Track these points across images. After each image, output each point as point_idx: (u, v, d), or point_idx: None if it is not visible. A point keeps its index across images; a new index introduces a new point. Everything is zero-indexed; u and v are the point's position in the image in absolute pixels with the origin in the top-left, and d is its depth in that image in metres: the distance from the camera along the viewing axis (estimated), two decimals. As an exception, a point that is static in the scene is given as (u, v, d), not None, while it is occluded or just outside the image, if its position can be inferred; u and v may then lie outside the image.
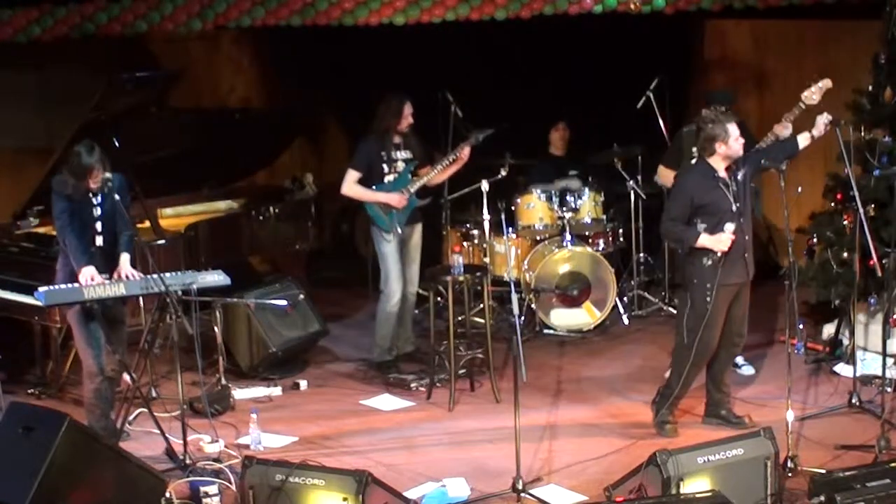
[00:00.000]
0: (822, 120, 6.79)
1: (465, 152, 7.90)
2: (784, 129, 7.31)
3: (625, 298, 9.28)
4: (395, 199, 7.86)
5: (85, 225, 6.49)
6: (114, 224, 6.51)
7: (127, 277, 6.47)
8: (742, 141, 6.52)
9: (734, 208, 6.48)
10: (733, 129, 6.49)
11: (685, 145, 7.73)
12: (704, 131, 6.53)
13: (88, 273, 6.35)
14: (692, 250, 6.54)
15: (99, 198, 6.51)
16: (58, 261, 6.64)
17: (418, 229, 8.06)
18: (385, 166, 7.90)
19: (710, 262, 6.47)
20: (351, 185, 7.91)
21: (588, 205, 9.02)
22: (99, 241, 6.53)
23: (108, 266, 6.50)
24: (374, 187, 7.89)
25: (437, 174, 7.99)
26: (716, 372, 6.83)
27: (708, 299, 6.48)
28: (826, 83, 7.13)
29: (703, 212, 6.49)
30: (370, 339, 8.29)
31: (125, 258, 6.53)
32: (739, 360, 7.71)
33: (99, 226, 6.53)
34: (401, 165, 7.93)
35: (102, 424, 6.55)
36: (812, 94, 7.10)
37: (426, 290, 7.99)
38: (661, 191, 9.34)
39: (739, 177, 6.54)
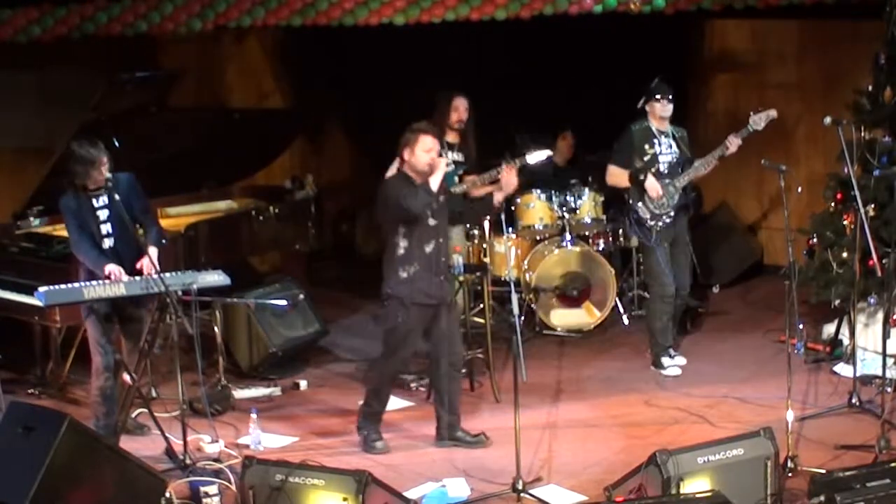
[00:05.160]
0: (736, 140, 7.46)
1: (509, 172, 7.65)
2: (734, 144, 7.52)
3: (625, 298, 9.28)
4: None
5: (92, 231, 6.49)
6: (125, 226, 6.46)
7: (147, 271, 6.41)
8: (430, 158, 6.37)
9: (431, 223, 6.43)
10: (426, 140, 6.42)
11: (636, 142, 7.73)
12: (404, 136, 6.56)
13: (113, 270, 6.36)
14: (391, 260, 6.49)
15: (104, 199, 6.50)
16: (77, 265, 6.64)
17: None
18: None
19: (405, 275, 6.43)
20: None
21: (588, 205, 9.02)
22: (108, 242, 6.53)
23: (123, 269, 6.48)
24: None
25: (478, 187, 7.83)
26: (445, 394, 6.74)
27: (399, 315, 6.45)
28: (772, 113, 7.48)
29: (407, 221, 6.41)
30: (373, 338, 8.29)
31: (153, 251, 6.47)
32: (671, 350, 7.92)
33: (107, 228, 6.52)
34: (451, 167, 7.81)
35: (104, 423, 6.56)
36: (759, 121, 7.45)
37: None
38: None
39: (441, 198, 6.51)
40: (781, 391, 6.48)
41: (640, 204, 7.74)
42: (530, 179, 9.41)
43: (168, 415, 6.88)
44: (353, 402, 7.54)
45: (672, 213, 7.74)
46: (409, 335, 6.54)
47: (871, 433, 6.34)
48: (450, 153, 7.85)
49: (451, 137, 7.83)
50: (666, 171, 7.73)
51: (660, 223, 7.74)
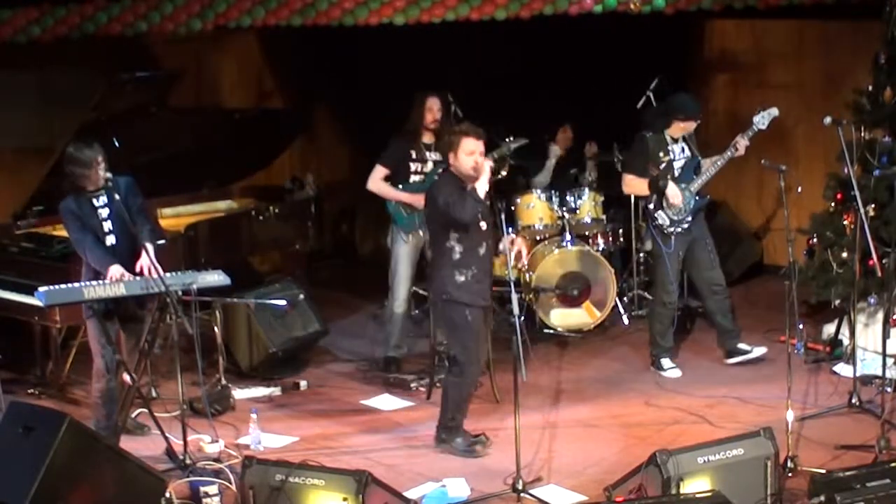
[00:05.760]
0: (743, 141, 7.45)
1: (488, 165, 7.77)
2: (742, 146, 7.50)
3: (625, 298, 9.28)
4: (419, 199, 7.81)
5: (95, 231, 6.49)
6: (125, 225, 6.45)
7: (147, 270, 6.38)
8: (473, 162, 6.26)
9: (482, 226, 6.37)
10: (468, 142, 6.31)
11: (651, 150, 7.67)
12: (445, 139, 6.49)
13: (117, 271, 6.35)
14: (445, 264, 6.37)
15: (105, 198, 6.50)
16: (81, 267, 6.63)
17: None
18: (412, 165, 7.83)
19: (462, 279, 6.34)
20: (376, 181, 7.83)
21: (588, 205, 9.03)
22: (110, 240, 6.52)
23: (124, 266, 6.47)
24: (399, 186, 7.85)
25: None
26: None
27: (468, 315, 6.36)
28: (774, 111, 7.47)
29: (458, 227, 6.31)
30: (372, 338, 8.33)
31: (149, 249, 6.40)
32: (745, 345, 7.84)
33: (108, 226, 6.52)
34: (429, 166, 7.83)
35: (105, 424, 6.56)
36: (762, 120, 7.43)
37: (426, 290, 7.98)
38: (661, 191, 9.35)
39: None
40: (781, 391, 6.48)
41: (659, 212, 7.67)
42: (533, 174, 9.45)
43: (168, 415, 6.88)
44: (353, 402, 7.56)
45: (689, 218, 7.68)
46: (479, 335, 6.45)
47: (871, 433, 6.34)
48: (428, 153, 7.86)
49: (427, 138, 7.85)
50: (679, 175, 7.69)
51: (679, 229, 7.67)
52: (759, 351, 7.89)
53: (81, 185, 6.44)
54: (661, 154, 7.67)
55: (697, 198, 7.71)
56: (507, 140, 7.81)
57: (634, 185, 7.84)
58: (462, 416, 6.60)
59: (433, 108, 7.77)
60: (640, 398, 7.40)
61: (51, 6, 8.52)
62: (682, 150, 7.73)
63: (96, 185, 6.44)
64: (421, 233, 7.83)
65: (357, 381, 7.98)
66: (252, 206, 9.07)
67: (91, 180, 6.42)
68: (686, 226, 7.69)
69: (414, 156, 7.82)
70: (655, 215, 7.70)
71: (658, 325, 7.89)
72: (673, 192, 7.60)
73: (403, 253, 7.90)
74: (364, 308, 9.53)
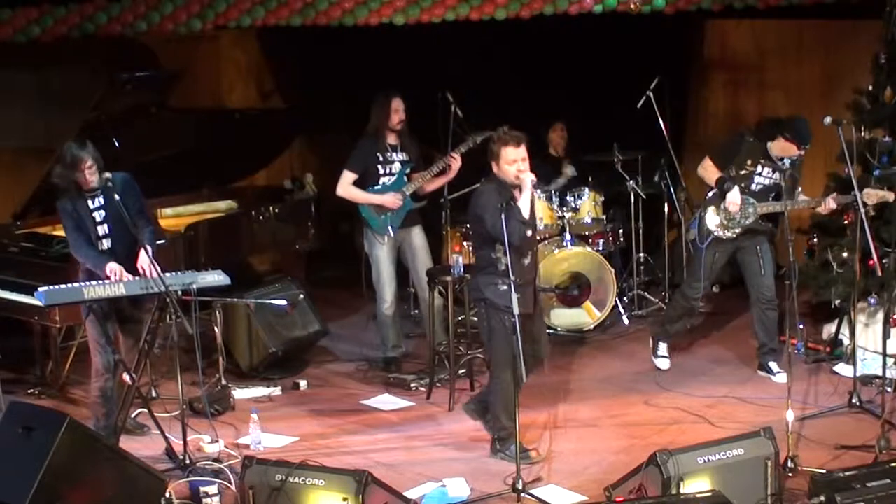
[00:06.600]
0: (833, 202, 7.20)
1: (455, 162, 7.74)
2: (827, 207, 7.29)
3: (625, 298, 9.29)
4: (390, 200, 7.80)
5: (90, 232, 6.48)
6: (123, 226, 6.44)
7: (143, 271, 6.38)
8: (519, 170, 6.15)
9: (529, 234, 6.23)
10: (507, 152, 6.19)
11: (742, 153, 7.43)
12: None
13: (114, 268, 6.35)
14: (491, 273, 6.27)
15: (100, 200, 6.48)
16: (77, 265, 6.63)
17: (417, 231, 8.00)
18: (380, 167, 7.85)
19: (504, 288, 6.18)
20: (346, 187, 7.86)
21: (588, 205, 9.03)
22: (106, 243, 6.51)
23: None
24: (369, 189, 7.86)
25: (428, 181, 7.87)
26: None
27: (505, 320, 6.19)
28: (889, 196, 7.17)
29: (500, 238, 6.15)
30: (371, 340, 8.34)
31: (145, 253, 6.39)
32: (774, 366, 7.59)
33: (104, 229, 6.50)
34: (397, 167, 7.88)
35: (104, 423, 6.56)
36: (869, 199, 7.04)
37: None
38: (661, 191, 9.37)
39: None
40: (781, 391, 6.48)
41: (712, 207, 7.48)
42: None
43: (168, 415, 6.88)
44: (353, 402, 7.56)
45: (738, 231, 7.46)
46: (514, 340, 6.27)
47: (871, 433, 6.35)
48: (394, 154, 7.86)
49: (393, 139, 7.84)
50: (757, 192, 7.42)
51: (719, 233, 7.48)
52: (780, 378, 7.40)
53: (64, 186, 6.40)
54: (749, 162, 7.40)
55: (761, 220, 7.47)
56: (471, 135, 7.77)
57: (708, 172, 7.52)
58: (511, 423, 6.30)
59: (399, 109, 7.77)
60: (640, 398, 7.40)
61: (51, 6, 8.51)
62: (773, 170, 7.40)
63: (87, 185, 6.40)
64: (392, 233, 7.82)
65: (357, 381, 7.99)
66: (251, 206, 9.05)
67: (75, 182, 6.38)
68: (731, 235, 7.47)
69: (381, 158, 7.83)
70: (707, 208, 7.50)
71: (671, 311, 7.95)
72: (733, 198, 7.33)
73: (382, 255, 7.89)
74: (364, 308, 9.52)
